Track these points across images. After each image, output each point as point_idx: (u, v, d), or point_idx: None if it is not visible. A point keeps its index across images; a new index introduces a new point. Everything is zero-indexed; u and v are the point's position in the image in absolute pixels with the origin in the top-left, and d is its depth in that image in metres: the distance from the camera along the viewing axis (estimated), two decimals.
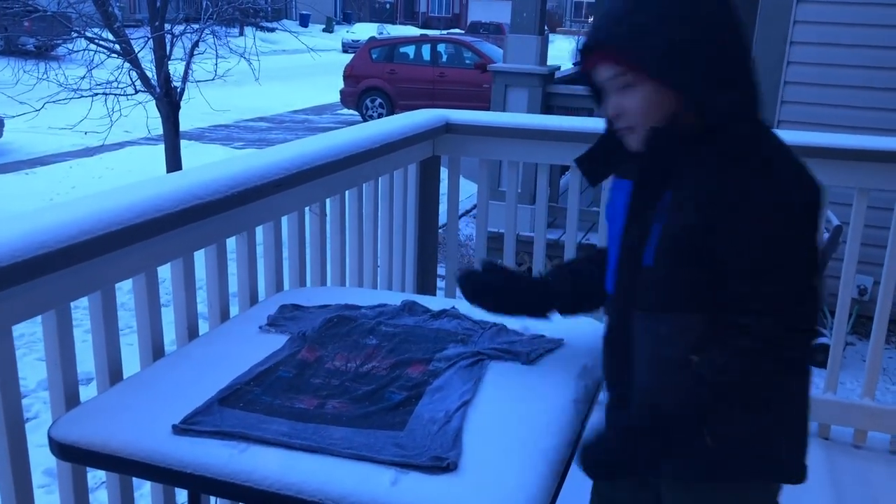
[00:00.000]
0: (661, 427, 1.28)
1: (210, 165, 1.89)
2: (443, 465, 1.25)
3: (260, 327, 1.78)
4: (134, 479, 1.64)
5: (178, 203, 1.65)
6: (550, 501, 1.23)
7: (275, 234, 2.12)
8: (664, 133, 1.31)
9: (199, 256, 1.88)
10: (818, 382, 4.10)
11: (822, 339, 3.14)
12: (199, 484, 1.29)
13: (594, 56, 1.35)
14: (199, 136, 13.04)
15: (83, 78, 6.82)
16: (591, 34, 1.36)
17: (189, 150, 9.47)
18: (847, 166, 2.61)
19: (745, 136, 1.28)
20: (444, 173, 3.01)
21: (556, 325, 1.79)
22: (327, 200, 2.35)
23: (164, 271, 1.77)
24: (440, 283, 3.54)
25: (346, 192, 2.45)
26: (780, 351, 1.26)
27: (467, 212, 7.58)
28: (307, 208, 2.26)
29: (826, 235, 4.08)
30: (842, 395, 2.95)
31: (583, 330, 1.80)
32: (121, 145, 11.28)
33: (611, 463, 1.32)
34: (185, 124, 9.64)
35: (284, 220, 2.17)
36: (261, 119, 15.43)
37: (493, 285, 1.61)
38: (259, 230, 2.08)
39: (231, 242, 1.97)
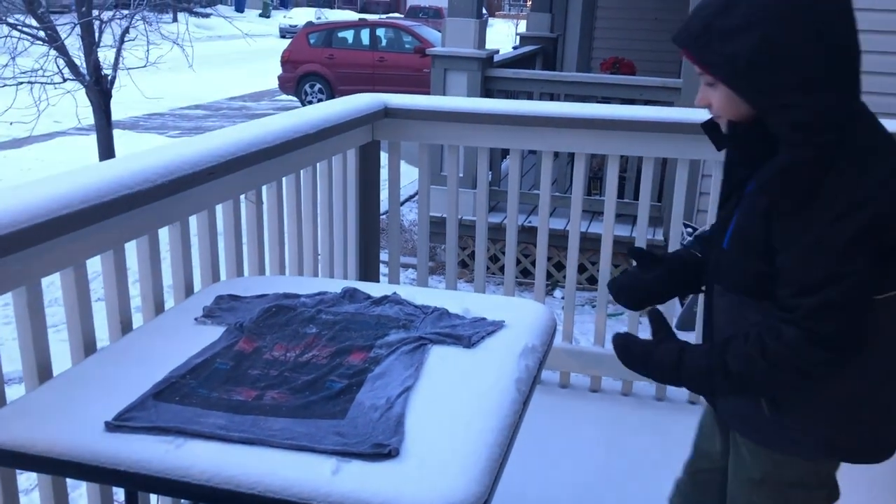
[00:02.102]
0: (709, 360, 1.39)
1: (139, 154, 1.84)
2: (384, 451, 1.24)
3: (195, 319, 1.73)
4: (69, 479, 1.59)
5: (105, 193, 1.60)
6: (492, 483, 1.23)
7: (209, 223, 2.07)
8: (743, 130, 1.35)
9: (131, 248, 1.83)
10: None
11: None
12: (134, 481, 1.25)
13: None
14: (134, 125, 12.70)
15: (6, 66, 6.55)
16: (681, 27, 1.36)
17: (123, 140, 9.22)
18: None
19: (822, 143, 1.25)
20: (385, 159, 2.98)
21: (496, 307, 1.80)
22: (263, 188, 2.31)
23: (96, 265, 1.71)
24: (383, 269, 3.52)
25: (283, 179, 2.41)
26: (798, 362, 1.30)
27: (410, 197, 7.55)
28: (242, 196, 2.21)
29: None
30: None
31: (523, 311, 1.81)
32: (50, 136, 10.92)
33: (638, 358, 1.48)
34: (117, 113, 9.37)
35: (219, 208, 2.12)
36: (197, 107, 15.09)
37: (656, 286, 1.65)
38: (193, 220, 2.03)
39: (164, 234, 1.92)
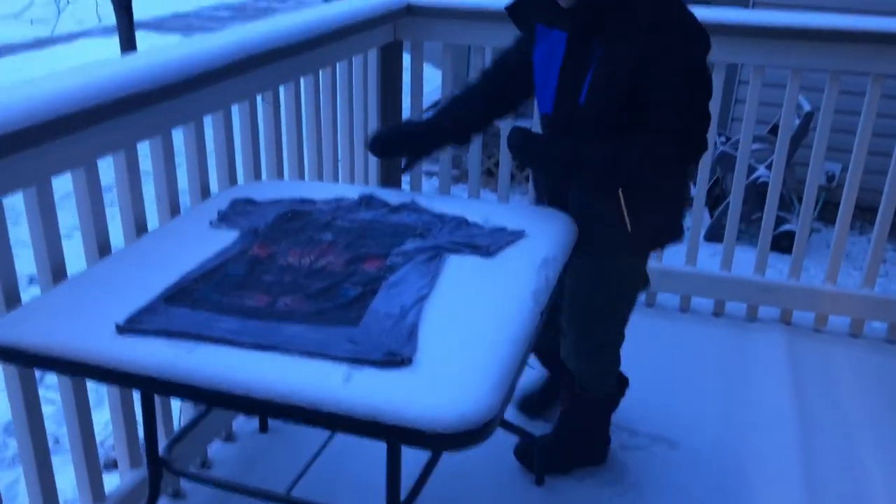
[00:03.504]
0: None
1: (150, 51, 1.77)
2: (397, 360, 1.22)
3: (210, 223, 1.71)
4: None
5: (115, 91, 1.55)
6: (507, 394, 1.21)
7: (224, 124, 2.01)
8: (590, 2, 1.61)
9: (144, 150, 1.79)
10: (782, 269, 4.12)
11: (788, 226, 3.35)
12: (144, 384, 1.25)
13: None
14: (159, 25, 12.48)
15: None
16: None
17: (147, 41, 9.07)
18: (820, 48, 2.53)
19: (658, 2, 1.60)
20: (407, 61, 2.88)
21: (518, 217, 1.75)
22: (280, 88, 2.24)
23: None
24: (405, 176, 3.46)
25: (301, 80, 2.33)
26: (677, 158, 1.69)
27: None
28: (259, 97, 2.15)
29: (797, 121, 4.03)
30: (804, 280, 2.96)
31: (546, 220, 1.76)
32: (74, 37, 10.78)
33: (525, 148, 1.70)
34: (142, 13, 9.17)
35: (235, 109, 2.06)
36: (222, 6, 14.77)
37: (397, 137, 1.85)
38: (208, 122, 1.97)
39: (179, 138, 1.87)
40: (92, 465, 1.75)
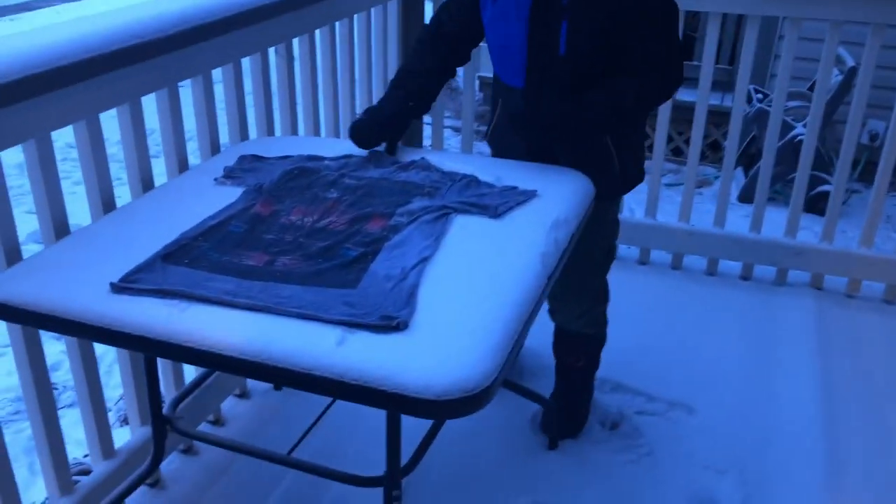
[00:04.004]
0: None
1: (155, 1, 1.72)
2: (392, 324, 1.18)
3: (215, 179, 1.67)
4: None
5: (114, 42, 1.51)
6: (505, 360, 1.16)
7: (234, 78, 1.96)
8: None
9: (150, 104, 1.75)
10: (818, 231, 4.00)
11: (826, 187, 3.25)
12: (137, 344, 1.23)
13: None
14: None
15: None
16: None
17: None
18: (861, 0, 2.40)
19: None
20: (430, 10, 2.79)
21: (531, 176, 1.68)
22: (294, 41, 2.18)
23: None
24: (427, 132, 3.40)
25: (317, 32, 2.27)
26: (665, 89, 1.73)
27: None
28: (272, 49, 2.09)
29: (839, 77, 3.86)
30: (840, 243, 2.86)
31: (560, 180, 1.69)
32: None
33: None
34: None
35: (246, 62, 2.01)
36: None
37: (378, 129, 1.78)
38: (217, 74, 1.93)
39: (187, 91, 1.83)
40: (101, 421, 1.76)
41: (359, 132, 1.76)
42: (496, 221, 1.50)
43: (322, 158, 1.75)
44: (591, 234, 1.72)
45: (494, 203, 1.54)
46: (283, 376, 1.14)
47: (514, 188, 1.61)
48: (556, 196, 1.61)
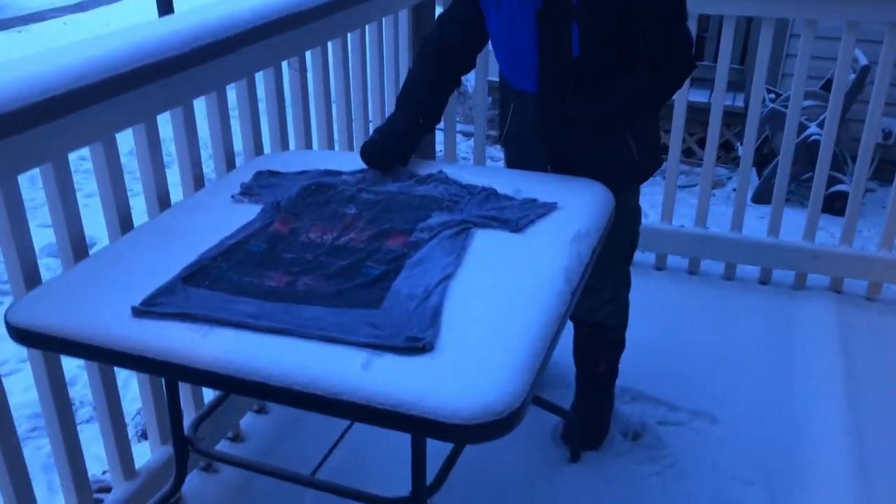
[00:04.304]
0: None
1: (166, 19, 1.71)
2: (418, 345, 1.16)
3: (232, 196, 1.66)
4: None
5: (130, 62, 1.49)
6: (533, 380, 1.14)
7: (248, 94, 1.95)
8: None
9: (166, 122, 1.74)
10: (833, 231, 3.94)
11: (841, 187, 3.24)
12: (160, 369, 1.22)
13: None
14: None
15: None
16: None
17: (185, 2, 9.04)
18: None
19: None
20: None
21: (551, 187, 1.67)
22: (307, 54, 2.17)
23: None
24: (439, 138, 3.38)
25: (329, 44, 2.26)
26: (680, 75, 1.75)
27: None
28: (285, 63, 2.08)
29: (852, 76, 3.82)
30: (857, 243, 2.82)
31: (580, 191, 1.67)
32: None
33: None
34: None
35: (259, 76, 2.00)
36: None
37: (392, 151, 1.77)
38: (231, 90, 1.92)
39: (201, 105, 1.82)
40: (121, 442, 1.75)
41: (371, 154, 1.75)
42: (517, 236, 1.48)
43: (339, 173, 1.74)
44: (616, 222, 1.74)
45: (515, 217, 1.52)
46: (309, 401, 1.13)
47: (534, 200, 1.60)
48: (577, 208, 1.59)
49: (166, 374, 1.25)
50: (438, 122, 1.86)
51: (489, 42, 1.85)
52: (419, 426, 1.09)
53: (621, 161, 1.79)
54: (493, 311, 1.27)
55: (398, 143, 1.76)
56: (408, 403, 1.08)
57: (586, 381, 2.11)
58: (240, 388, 1.17)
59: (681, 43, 1.71)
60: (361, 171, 1.74)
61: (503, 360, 1.15)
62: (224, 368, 1.17)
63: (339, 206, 1.60)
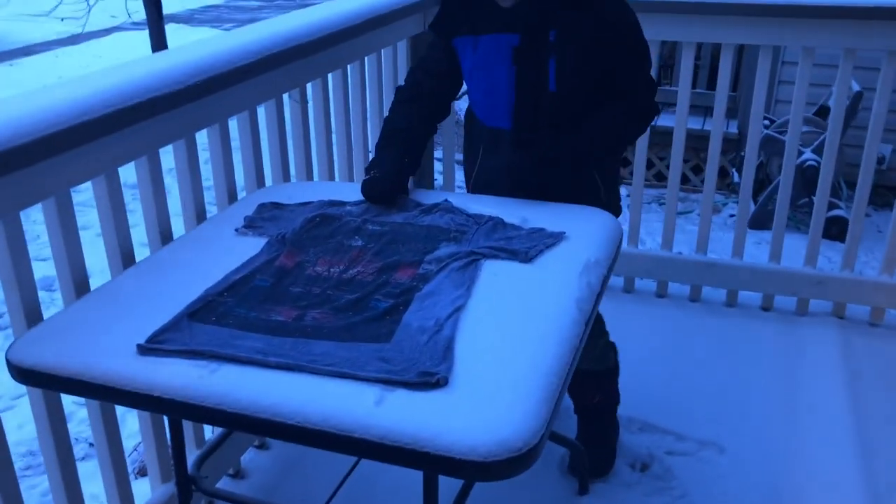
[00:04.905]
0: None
1: (166, 53, 1.71)
2: (432, 381, 1.14)
3: (236, 230, 1.64)
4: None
5: (129, 97, 1.48)
6: (550, 415, 1.12)
7: (251, 126, 1.94)
8: None
9: (168, 154, 1.73)
10: (831, 256, 3.93)
11: (837, 212, 3.26)
12: (167, 407, 1.18)
13: None
14: (189, 18, 12.54)
15: None
16: None
17: (177, 35, 9.07)
18: (876, 26, 2.38)
19: None
20: None
21: (557, 216, 1.65)
22: (308, 85, 2.16)
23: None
24: (437, 167, 3.38)
25: (329, 76, 2.26)
26: (649, 115, 1.80)
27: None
28: (286, 95, 2.08)
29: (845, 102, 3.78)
30: (857, 268, 2.82)
31: (587, 219, 1.66)
32: (108, 31, 10.87)
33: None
34: (173, 6, 9.17)
35: (261, 109, 1.99)
36: None
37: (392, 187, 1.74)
38: (234, 123, 1.91)
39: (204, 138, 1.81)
40: (122, 480, 1.71)
41: (372, 190, 1.71)
42: (527, 267, 1.47)
43: (343, 203, 1.72)
44: None
45: (523, 247, 1.51)
46: (322, 439, 1.10)
47: (542, 230, 1.58)
48: (585, 237, 1.58)
49: (173, 412, 1.22)
50: (418, 167, 1.84)
51: (449, 104, 1.91)
52: (435, 464, 1.06)
53: (591, 201, 1.76)
54: (506, 344, 1.25)
55: (394, 179, 1.73)
56: (423, 440, 1.06)
57: (585, 411, 2.09)
58: (249, 426, 1.14)
59: (649, 85, 1.77)
60: (365, 201, 1.72)
61: (519, 395, 1.13)
62: (232, 406, 1.14)
63: (345, 237, 1.58)
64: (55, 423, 1.52)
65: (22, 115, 1.32)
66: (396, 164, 1.75)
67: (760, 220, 4.52)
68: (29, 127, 1.31)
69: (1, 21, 10.38)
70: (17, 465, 2.77)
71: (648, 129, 1.95)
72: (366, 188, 1.72)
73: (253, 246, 1.56)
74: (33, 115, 1.33)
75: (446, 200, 1.72)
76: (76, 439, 2.92)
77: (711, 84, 3.21)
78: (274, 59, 1.86)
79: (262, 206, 1.73)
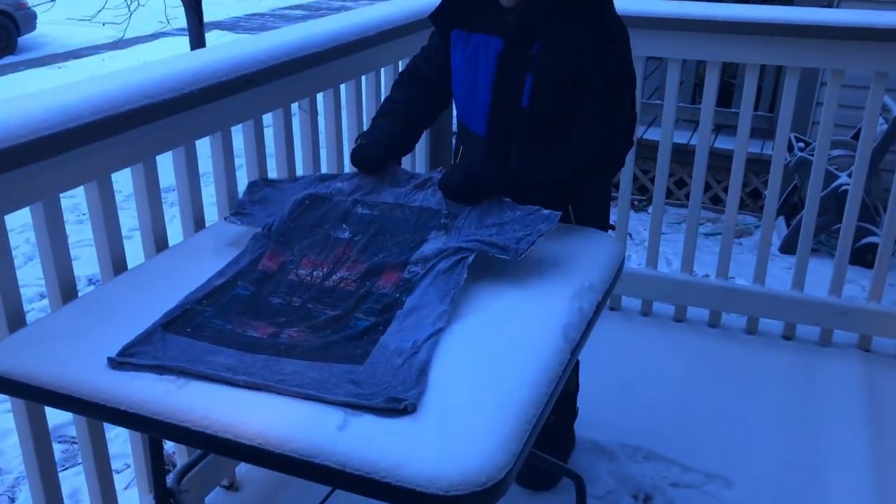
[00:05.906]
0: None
1: (168, 59, 1.70)
2: (399, 407, 1.10)
3: (225, 218, 1.62)
4: None
5: (124, 103, 1.47)
6: (521, 449, 1.07)
7: (255, 134, 1.93)
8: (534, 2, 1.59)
9: (167, 162, 1.72)
10: (864, 284, 3.82)
11: (873, 238, 3.13)
12: (133, 421, 1.16)
13: None
14: (234, 25, 12.71)
15: None
16: None
17: (219, 41, 9.20)
18: None
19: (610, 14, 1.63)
20: None
21: (553, 236, 1.60)
22: (318, 96, 2.14)
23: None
24: None
25: (342, 87, 2.24)
26: (612, 161, 1.68)
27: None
28: (295, 104, 2.06)
29: (884, 126, 3.71)
30: (889, 298, 2.71)
31: (587, 241, 1.61)
32: (154, 36, 11.06)
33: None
34: (219, 13, 9.32)
35: (268, 118, 1.98)
36: (297, 7, 14.95)
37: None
38: (238, 132, 1.89)
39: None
40: (107, 491, 1.69)
41: (361, 156, 1.66)
42: (516, 283, 1.42)
43: (335, 177, 1.69)
44: None
45: (513, 241, 1.44)
46: (281, 462, 1.07)
47: (538, 210, 1.52)
48: (582, 259, 1.53)
49: (140, 427, 1.19)
50: (411, 146, 1.80)
51: (447, 103, 1.85)
52: (396, 495, 1.02)
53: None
54: (483, 370, 1.20)
55: (385, 146, 1.69)
56: (384, 470, 1.01)
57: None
58: (212, 445, 1.11)
59: (624, 118, 1.66)
60: (357, 174, 1.68)
61: (489, 426, 1.08)
62: (195, 424, 1.11)
63: (332, 227, 1.54)
64: (38, 436, 1.51)
65: (8, 119, 1.31)
66: (387, 132, 1.72)
67: (793, 245, 4.39)
68: (17, 129, 1.31)
69: (52, 25, 10.62)
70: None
71: (634, 145, 1.87)
72: (353, 155, 1.68)
73: (240, 241, 1.54)
74: (22, 118, 1.33)
75: (441, 169, 1.66)
76: (74, 443, 2.93)
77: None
78: (281, 69, 1.84)
79: (253, 185, 1.70)
